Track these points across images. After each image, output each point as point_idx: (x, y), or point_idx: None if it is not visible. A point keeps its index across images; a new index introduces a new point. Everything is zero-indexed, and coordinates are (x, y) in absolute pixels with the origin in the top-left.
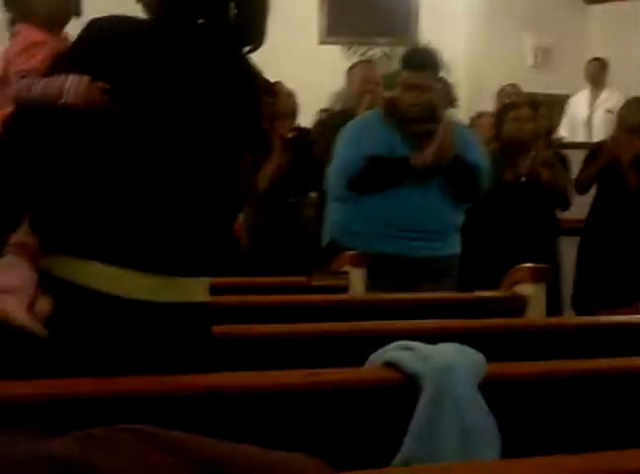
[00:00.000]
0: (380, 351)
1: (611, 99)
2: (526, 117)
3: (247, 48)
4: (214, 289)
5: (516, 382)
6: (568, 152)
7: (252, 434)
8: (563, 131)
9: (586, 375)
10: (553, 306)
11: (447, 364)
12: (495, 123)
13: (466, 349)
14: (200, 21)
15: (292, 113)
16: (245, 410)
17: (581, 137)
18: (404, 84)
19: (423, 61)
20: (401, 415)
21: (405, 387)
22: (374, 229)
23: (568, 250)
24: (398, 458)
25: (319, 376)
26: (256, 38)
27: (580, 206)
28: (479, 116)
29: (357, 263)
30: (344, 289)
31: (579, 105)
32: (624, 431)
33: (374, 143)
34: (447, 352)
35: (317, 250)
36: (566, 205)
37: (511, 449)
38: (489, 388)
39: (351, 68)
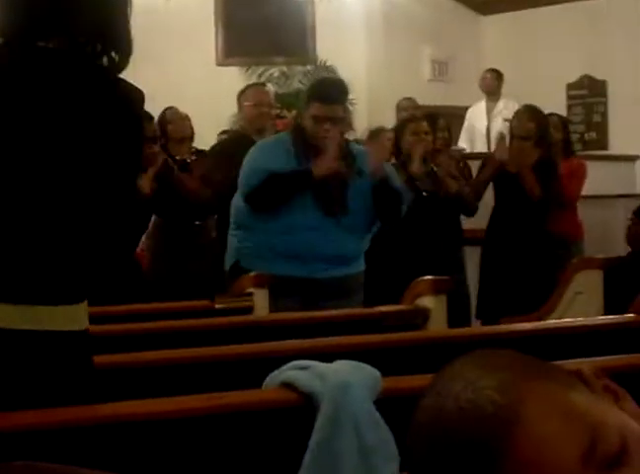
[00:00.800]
0: (276, 371)
1: (508, 108)
2: (424, 130)
3: (115, 68)
4: (115, 317)
5: (411, 396)
6: (468, 163)
7: (149, 462)
8: (463, 142)
9: None
10: (463, 317)
11: (343, 382)
12: (394, 139)
13: (361, 365)
14: (45, 44)
15: (189, 136)
16: (141, 437)
17: (480, 148)
18: (316, 116)
19: (335, 94)
20: (300, 435)
21: (303, 407)
22: (280, 257)
23: (470, 259)
24: None
25: (217, 400)
26: (111, 58)
27: (480, 215)
28: (377, 132)
29: (259, 283)
30: (248, 311)
31: (477, 116)
32: None
33: (280, 163)
34: (343, 369)
35: (220, 273)
36: (473, 212)
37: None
38: (386, 403)
39: (242, 92)
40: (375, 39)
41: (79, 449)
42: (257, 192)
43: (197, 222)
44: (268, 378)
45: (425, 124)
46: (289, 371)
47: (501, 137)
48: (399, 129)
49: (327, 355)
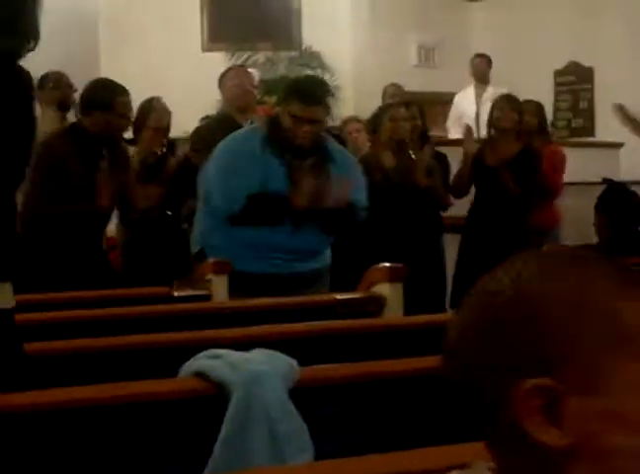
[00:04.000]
0: (191, 360)
1: (497, 93)
2: (403, 116)
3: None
4: (80, 303)
5: (329, 386)
6: (456, 149)
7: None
8: (451, 128)
9: (393, 376)
10: (438, 304)
11: (255, 371)
12: (372, 126)
13: (277, 354)
14: None
15: (167, 128)
16: (46, 427)
17: None
18: (295, 116)
19: (316, 95)
20: (213, 425)
21: (214, 396)
22: (247, 253)
23: (453, 247)
24: (210, 466)
25: (126, 389)
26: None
27: (464, 202)
28: (345, 122)
29: (219, 270)
30: (207, 298)
31: (465, 101)
32: (432, 429)
33: (252, 173)
34: (256, 358)
35: (186, 259)
36: (445, 207)
37: (325, 452)
38: (302, 393)
39: (223, 74)
40: (361, 24)
41: None
42: (238, 218)
43: (168, 212)
44: (182, 367)
45: (403, 111)
46: (202, 360)
47: (467, 130)
48: (377, 117)
49: (269, 344)
